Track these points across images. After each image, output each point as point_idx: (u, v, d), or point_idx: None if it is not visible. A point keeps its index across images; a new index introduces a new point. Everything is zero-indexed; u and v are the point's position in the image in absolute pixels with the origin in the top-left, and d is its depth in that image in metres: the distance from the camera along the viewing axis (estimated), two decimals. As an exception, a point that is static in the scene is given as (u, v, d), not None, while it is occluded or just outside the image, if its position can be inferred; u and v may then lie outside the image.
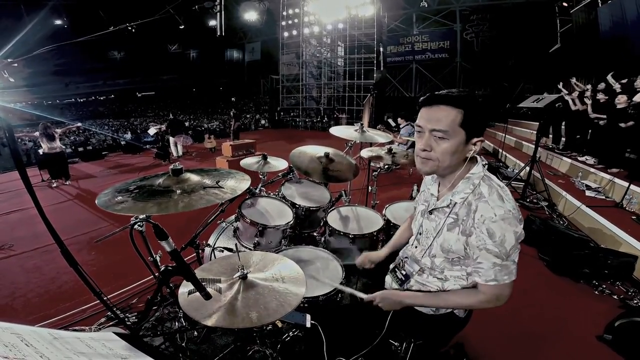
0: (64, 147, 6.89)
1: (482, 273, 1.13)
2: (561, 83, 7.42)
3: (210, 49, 26.22)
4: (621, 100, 4.86)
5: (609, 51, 8.62)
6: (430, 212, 1.28)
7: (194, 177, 1.37)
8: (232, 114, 11.70)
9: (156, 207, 1.09)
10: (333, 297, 1.59)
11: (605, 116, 5.17)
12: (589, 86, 6.72)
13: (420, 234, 1.35)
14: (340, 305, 1.67)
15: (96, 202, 1.23)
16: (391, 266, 1.50)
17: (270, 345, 1.75)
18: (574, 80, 7.36)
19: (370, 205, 2.83)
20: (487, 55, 14.50)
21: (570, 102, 6.33)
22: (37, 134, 6.56)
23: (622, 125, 4.71)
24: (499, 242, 1.06)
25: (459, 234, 1.16)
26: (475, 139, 1.12)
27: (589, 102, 5.78)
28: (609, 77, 6.18)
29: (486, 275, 1.12)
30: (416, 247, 1.37)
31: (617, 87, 5.64)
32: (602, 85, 6.13)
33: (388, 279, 1.48)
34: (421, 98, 1.17)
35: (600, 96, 5.61)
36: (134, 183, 1.35)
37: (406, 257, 1.41)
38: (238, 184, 1.41)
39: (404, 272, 1.39)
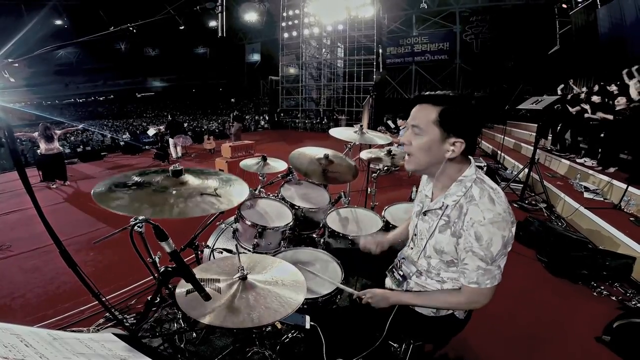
0: (61, 148, 6.85)
1: (467, 274, 1.14)
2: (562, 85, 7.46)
3: (211, 49, 26.24)
4: (620, 102, 4.88)
5: (608, 53, 8.65)
6: (424, 214, 1.29)
7: (192, 181, 1.35)
8: (233, 115, 11.73)
9: (151, 210, 1.08)
10: (332, 298, 1.59)
11: (611, 117, 5.16)
12: (584, 88, 6.76)
13: (415, 235, 1.36)
14: (340, 307, 1.67)
15: (92, 192, 1.18)
16: (389, 267, 1.50)
17: (269, 347, 1.75)
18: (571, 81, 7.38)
19: (370, 207, 2.83)
20: (486, 57, 14.55)
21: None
22: (35, 134, 6.54)
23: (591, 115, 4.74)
24: (485, 246, 1.07)
25: (450, 236, 1.16)
26: (453, 139, 1.12)
27: (586, 105, 5.82)
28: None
29: (469, 277, 1.13)
30: (412, 248, 1.38)
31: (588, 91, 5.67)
32: (596, 88, 6.19)
33: (387, 281, 1.49)
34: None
35: (595, 98, 5.65)
36: (132, 176, 1.31)
37: (403, 258, 1.42)
38: (236, 194, 1.35)
39: (401, 273, 1.40)
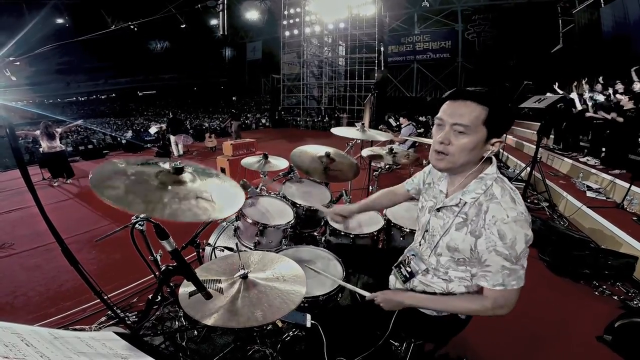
0: (63, 146, 6.86)
1: (490, 277, 1.10)
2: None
3: (212, 48, 26.22)
4: (625, 102, 4.85)
5: (611, 51, 8.60)
6: (438, 210, 1.26)
7: (192, 180, 1.31)
8: (232, 113, 11.74)
9: (143, 206, 1.07)
10: (333, 296, 1.59)
11: (610, 116, 5.14)
12: (586, 87, 6.73)
13: (427, 231, 1.31)
14: (341, 306, 1.67)
15: (89, 176, 1.15)
16: (397, 262, 1.48)
17: (270, 345, 1.75)
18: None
19: (371, 205, 2.82)
20: (488, 55, 14.51)
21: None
22: (37, 132, 6.56)
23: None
24: (510, 245, 1.05)
25: (466, 234, 1.14)
26: (494, 140, 1.11)
27: (590, 102, 5.79)
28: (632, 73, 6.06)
29: (494, 280, 1.10)
30: (422, 244, 1.35)
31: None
32: (598, 87, 6.16)
33: (392, 278, 1.47)
34: (447, 92, 1.16)
35: (600, 97, 5.62)
36: (135, 164, 1.26)
37: (413, 255, 1.38)
38: (229, 203, 1.25)
39: (409, 269, 1.37)
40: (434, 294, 1.29)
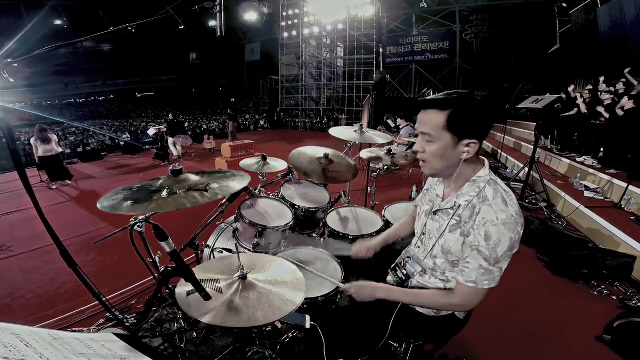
0: (60, 150, 6.79)
1: (466, 273, 1.13)
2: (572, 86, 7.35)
3: (210, 49, 26.21)
4: (625, 103, 4.84)
5: (608, 51, 8.65)
6: (435, 213, 1.28)
7: (192, 178, 1.34)
8: (229, 114, 11.76)
9: (130, 207, 1.09)
10: (333, 297, 1.59)
11: (608, 115, 5.16)
12: (589, 86, 6.74)
13: (423, 234, 1.34)
14: (340, 307, 1.67)
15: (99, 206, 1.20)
16: (393, 265, 1.49)
17: (269, 346, 1.75)
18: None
19: (370, 206, 2.83)
20: (486, 56, 14.53)
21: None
22: (32, 139, 6.52)
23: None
24: (493, 246, 1.06)
25: (459, 236, 1.16)
26: (467, 141, 1.10)
27: (583, 104, 5.82)
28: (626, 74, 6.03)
29: (468, 276, 1.13)
30: (419, 247, 1.37)
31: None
32: (602, 87, 6.16)
33: (390, 279, 1.48)
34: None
35: (606, 96, 5.62)
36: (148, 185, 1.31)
37: (409, 257, 1.41)
38: (230, 186, 1.33)
39: (404, 272, 1.39)
40: (408, 288, 1.33)
